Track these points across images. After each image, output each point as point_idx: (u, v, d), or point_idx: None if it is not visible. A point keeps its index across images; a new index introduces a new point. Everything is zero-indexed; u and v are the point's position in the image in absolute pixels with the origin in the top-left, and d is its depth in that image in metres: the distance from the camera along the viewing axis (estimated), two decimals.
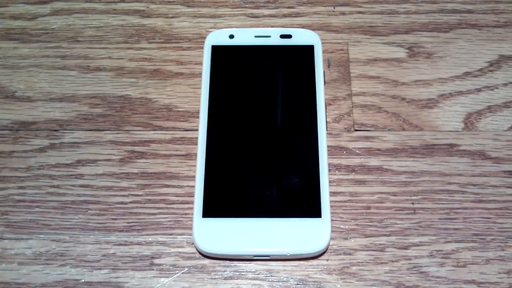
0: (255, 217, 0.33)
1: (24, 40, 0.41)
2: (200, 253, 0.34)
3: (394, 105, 0.39)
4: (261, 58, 0.38)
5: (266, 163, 0.35)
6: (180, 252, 0.34)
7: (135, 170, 0.37)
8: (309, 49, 0.39)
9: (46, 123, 0.38)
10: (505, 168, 0.37)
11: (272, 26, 0.42)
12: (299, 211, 0.34)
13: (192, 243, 0.35)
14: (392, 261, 0.34)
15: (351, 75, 0.40)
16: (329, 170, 0.36)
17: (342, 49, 0.41)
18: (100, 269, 0.34)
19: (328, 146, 0.37)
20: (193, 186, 0.35)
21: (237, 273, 0.34)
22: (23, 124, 0.38)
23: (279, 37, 0.39)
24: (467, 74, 0.40)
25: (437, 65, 0.40)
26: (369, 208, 0.36)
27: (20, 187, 0.36)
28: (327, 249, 0.34)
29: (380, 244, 0.35)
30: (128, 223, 0.35)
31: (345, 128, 0.38)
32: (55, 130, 0.38)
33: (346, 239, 0.35)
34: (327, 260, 0.34)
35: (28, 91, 0.40)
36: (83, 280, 0.34)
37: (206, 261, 0.34)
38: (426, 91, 0.39)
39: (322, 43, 0.40)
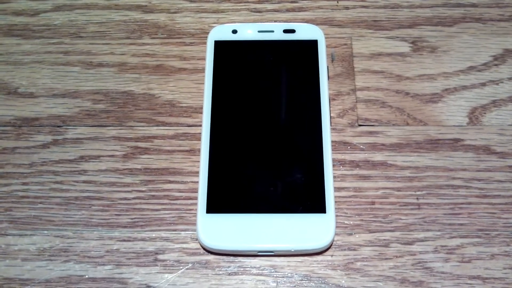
0: (259, 212, 0.33)
1: (27, 36, 0.41)
2: (204, 248, 0.34)
3: (398, 99, 0.39)
4: (265, 53, 0.38)
5: (270, 158, 0.35)
6: (184, 248, 0.34)
7: (139, 166, 0.37)
8: (313, 44, 0.38)
9: (49, 119, 0.38)
10: (510, 163, 0.36)
11: (275, 21, 0.41)
12: (303, 206, 0.34)
13: (196, 239, 0.35)
14: (397, 257, 0.34)
15: (355, 69, 0.40)
16: (333, 166, 0.36)
17: (345, 44, 0.41)
18: (103, 265, 0.34)
19: (332, 141, 0.36)
20: (197, 182, 0.35)
21: (242, 269, 0.34)
22: (26, 120, 0.38)
23: (282, 32, 0.39)
24: (471, 68, 0.40)
25: (441, 59, 0.40)
26: (373, 203, 0.35)
27: (24, 183, 0.36)
28: (331, 245, 0.34)
29: (384, 239, 0.34)
30: (132, 219, 0.35)
31: (349, 123, 0.38)
32: (58, 126, 0.38)
33: (350, 234, 0.35)
34: (332, 255, 0.34)
35: (30, 87, 0.40)
36: (86, 276, 0.34)
37: (210, 257, 0.34)
38: (430, 85, 0.39)
39: (326, 37, 0.39)
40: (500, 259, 0.34)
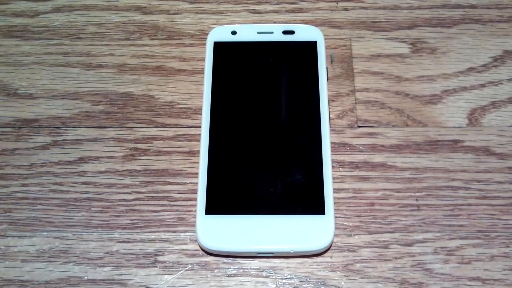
0: (258, 214, 0.33)
1: (26, 38, 0.41)
2: (203, 250, 0.34)
3: (398, 101, 0.39)
4: (264, 55, 0.38)
5: (269, 159, 0.35)
6: (183, 249, 0.34)
7: (138, 167, 0.37)
8: (312, 45, 0.38)
9: (49, 120, 0.38)
10: (510, 164, 0.36)
11: (274, 22, 0.41)
12: (302, 208, 0.33)
13: (195, 240, 0.34)
14: (396, 258, 0.34)
15: (354, 71, 0.40)
16: (333, 167, 0.36)
17: (345, 45, 0.41)
18: (103, 266, 0.34)
19: (331, 143, 0.36)
20: (196, 183, 0.35)
21: (241, 270, 0.34)
22: (25, 122, 0.38)
23: (281, 33, 0.39)
24: (471, 69, 0.40)
25: (440, 60, 0.40)
26: (373, 204, 0.35)
27: (23, 185, 0.36)
28: (330, 246, 0.34)
29: (384, 241, 0.34)
30: (131, 220, 0.35)
31: (349, 125, 0.38)
32: (57, 128, 0.38)
33: (350, 236, 0.35)
34: (331, 257, 0.34)
35: (30, 88, 0.40)
36: (86, 277, 0.34)
37: (210, 258, 0.34)
38: (429, 86, 0.39)
39: (325, 39, 0.39)
40: (500, 261, 0.34)
